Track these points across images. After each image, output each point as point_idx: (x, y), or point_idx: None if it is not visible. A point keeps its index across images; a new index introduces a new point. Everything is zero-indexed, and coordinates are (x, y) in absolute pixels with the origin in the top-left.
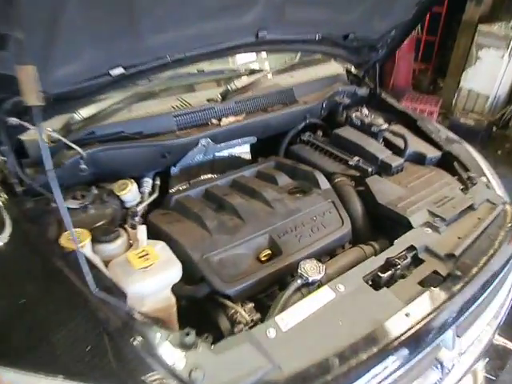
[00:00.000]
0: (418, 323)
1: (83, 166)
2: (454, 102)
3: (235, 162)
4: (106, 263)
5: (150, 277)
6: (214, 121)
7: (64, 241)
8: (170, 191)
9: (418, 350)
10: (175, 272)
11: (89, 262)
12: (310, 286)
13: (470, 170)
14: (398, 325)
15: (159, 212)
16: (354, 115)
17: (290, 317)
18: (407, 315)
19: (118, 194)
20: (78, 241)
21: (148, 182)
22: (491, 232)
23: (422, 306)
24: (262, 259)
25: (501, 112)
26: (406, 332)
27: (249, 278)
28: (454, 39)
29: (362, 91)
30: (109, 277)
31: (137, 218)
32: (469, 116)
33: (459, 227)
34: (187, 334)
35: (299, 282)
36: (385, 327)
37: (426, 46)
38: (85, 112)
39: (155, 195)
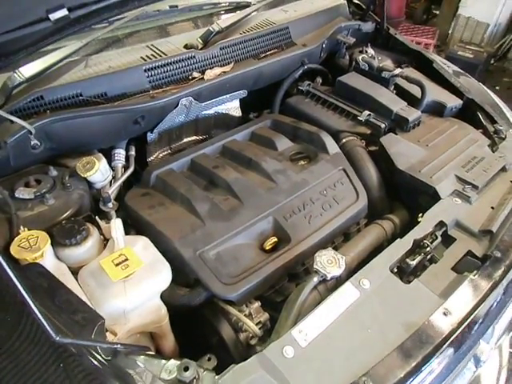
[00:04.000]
0: (459, 324)
1: (35, 142)
2: (450, 32)
3: (223, 121)
4: (75, 270)
5: (132, 288)
6: (196, 74)
7: (16, 249)
8: (149, 160)
9: (459, 356)
10: (163, 277)
11: (52, 279)
12: (327, 282)
13: (498, 121)
14: (437, 327)
15: (138, 192)
16: (360, 58)
17: (309, 327)
18: (446, 314)
19: (84, 175)
20: (34, 248)
21: (120, 154)
22: None
23: (463, 299)
24: (267, 248)
25: (499, 42)
26: (446, 337)
27: (253, 277)
28: None
29: (367, 26)
30: (79, 296)
31: (110, 204)
32: (467, 48)
33: (491, 194)
34: (185, 369)
35: (315, 279)
36: (421, 333)
37: None
38: (27, 70)
39: (131, 169)
